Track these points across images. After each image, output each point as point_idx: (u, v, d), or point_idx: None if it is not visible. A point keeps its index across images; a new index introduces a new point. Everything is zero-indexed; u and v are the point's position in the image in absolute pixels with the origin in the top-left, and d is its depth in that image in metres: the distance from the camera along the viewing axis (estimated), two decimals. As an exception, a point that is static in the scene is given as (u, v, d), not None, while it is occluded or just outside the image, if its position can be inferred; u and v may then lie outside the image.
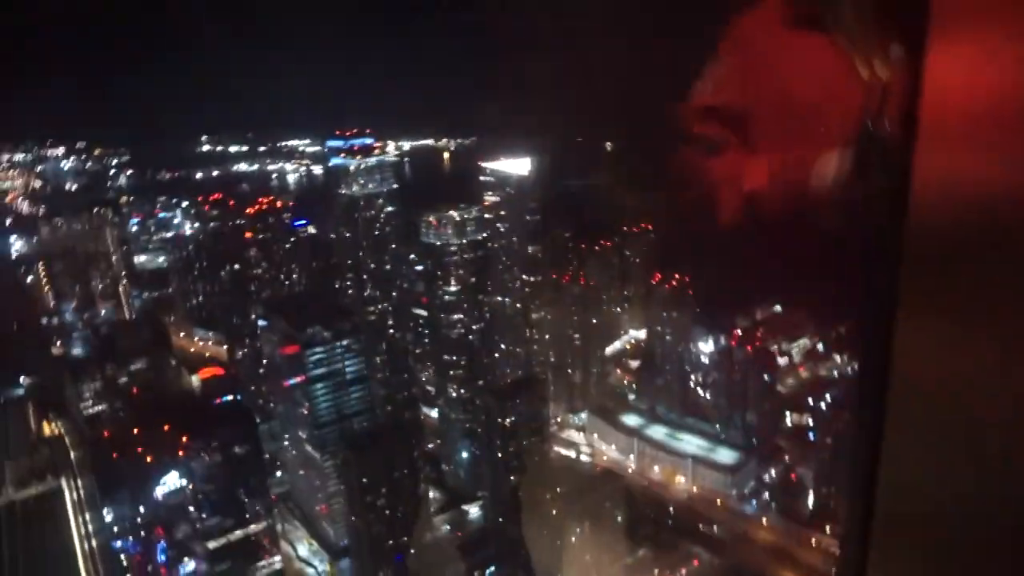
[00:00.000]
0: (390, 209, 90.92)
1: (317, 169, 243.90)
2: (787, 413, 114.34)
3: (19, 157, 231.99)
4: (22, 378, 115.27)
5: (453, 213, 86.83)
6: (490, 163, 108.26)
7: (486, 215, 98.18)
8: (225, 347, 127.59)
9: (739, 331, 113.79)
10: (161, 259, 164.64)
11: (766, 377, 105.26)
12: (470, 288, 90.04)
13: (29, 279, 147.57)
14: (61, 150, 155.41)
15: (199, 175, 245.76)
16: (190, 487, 62.76)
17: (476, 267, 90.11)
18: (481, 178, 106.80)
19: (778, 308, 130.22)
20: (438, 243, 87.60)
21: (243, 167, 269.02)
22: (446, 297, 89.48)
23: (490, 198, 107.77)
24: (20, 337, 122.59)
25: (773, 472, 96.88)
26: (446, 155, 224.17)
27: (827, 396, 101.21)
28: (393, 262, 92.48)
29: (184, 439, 63.11)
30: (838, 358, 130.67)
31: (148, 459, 58.18)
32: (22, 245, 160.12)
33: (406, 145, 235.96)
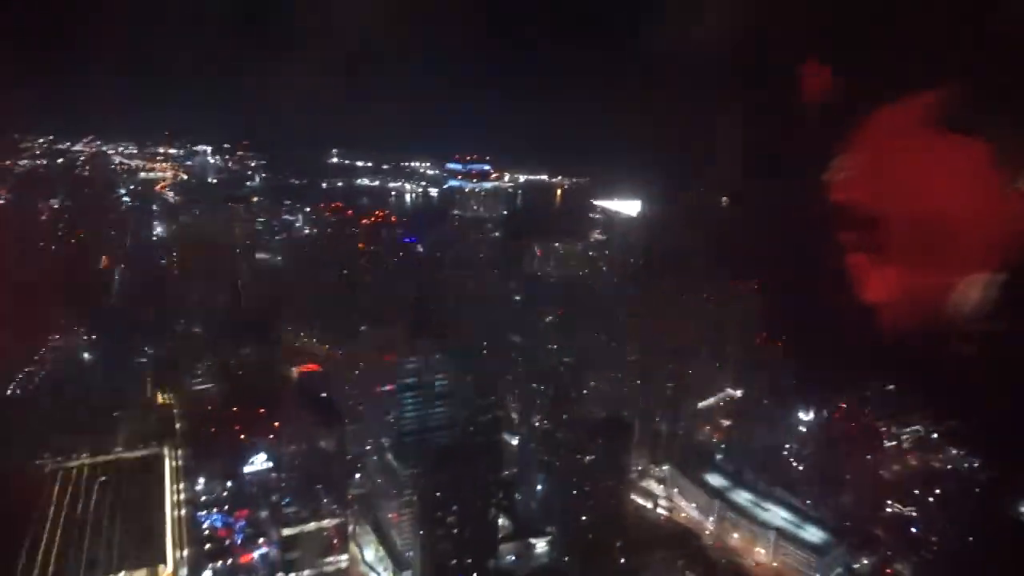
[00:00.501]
0: (497, 235, 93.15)
1: (433, 191, 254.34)
2: (888, 502, 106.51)
3: (172, 151, 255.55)
4: (146, 349, 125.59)
5: (558, 246, 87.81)
6: (601, 201, 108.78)
7: (591, 252, 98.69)
8: (325, 347, 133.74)
9: (844, 405, 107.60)
10: (279, 258, 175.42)
11: (869, 457, 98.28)
12: (566, 321, 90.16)
13: (163, 262, 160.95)
14: (209, 148, 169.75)
15: (324, 184, 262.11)
16: (274, 472, 65.71)
17: (576, 301, 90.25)
18: (590, 215, 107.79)
19: (891, 387, 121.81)
20: (540, 273, 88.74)
21: (365, 182, 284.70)
22: (541, 327, 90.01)
23: (597, 236, 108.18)
24: (150, 313, 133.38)
25: (865, 562, 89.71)
26: (559, 192, 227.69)
27: (936, 490, 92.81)
28: (494, 286, 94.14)
29: (276, 424, 66.43)
30: (953, 451, 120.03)
31: (241, 437, 61.59)
32: (162, 230, 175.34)
33: (521, 178, 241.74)
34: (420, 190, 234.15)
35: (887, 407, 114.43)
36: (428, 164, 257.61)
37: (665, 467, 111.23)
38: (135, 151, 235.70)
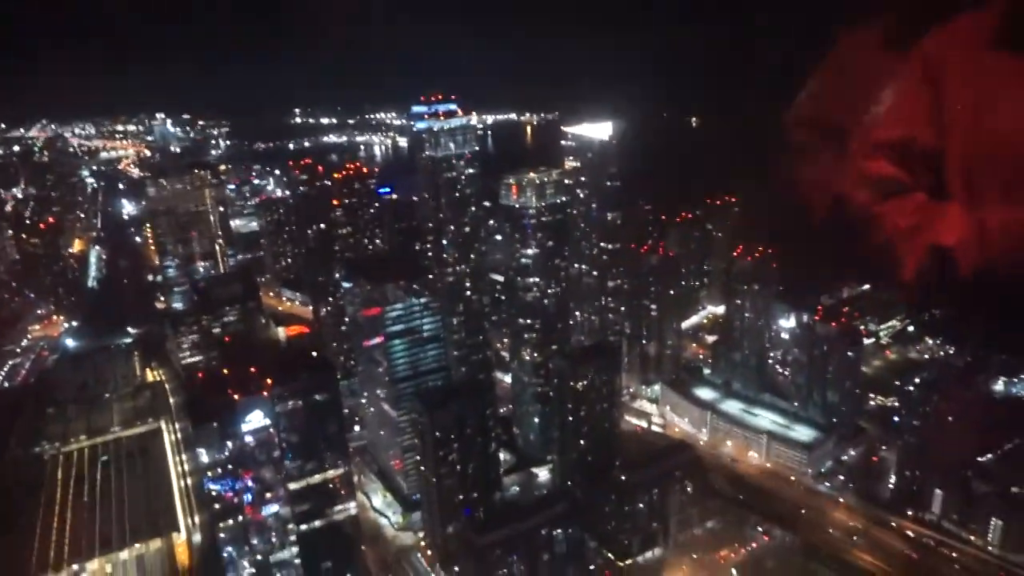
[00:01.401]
0: (471, 171, 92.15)
1: (402, 141, 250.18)
2: (871, 395, 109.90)
3: (132, 128, 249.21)
4: (129, 329, 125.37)
5: (533, 176, 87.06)
6: (572, 127, 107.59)
7: (566, 180, 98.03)
8: (311, 307, 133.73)
9: (823, 307, 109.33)
10: (254, 224, 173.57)
11: (850, 355, 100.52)
12: (547, 252, 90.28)
13: (136, 239, 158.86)
14: (168, 120, 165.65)
15: (291, 146, 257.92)
16: (273, 429, 66.64)
17: (554, 231, 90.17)
18: (562, 142, 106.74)
19: (867, 287, 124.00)
20: (517, 206, 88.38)
21: (333, 139, 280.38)
22: (523, 260, 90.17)
23: (570, 163, 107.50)
24: (128, 293, 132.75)
25: (853, 453, 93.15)
26: (529, 129, 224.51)
27: (915, 379, 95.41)
28: (472, 224, 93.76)
29: (269, 381, 67.08)
30: (930, 341, 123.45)
31: (236, 397, 62.23)
32: (132, 208, 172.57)
33: (489, 119, 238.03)
34: (389, 141, 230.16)
35: (865, 306, 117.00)
36: (394, 115, 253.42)
37: (656, 386, 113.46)
38: (92, 131, 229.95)
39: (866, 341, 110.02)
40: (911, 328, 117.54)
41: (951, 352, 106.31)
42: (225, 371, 72.62)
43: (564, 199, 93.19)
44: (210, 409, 63.78)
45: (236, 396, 64.32)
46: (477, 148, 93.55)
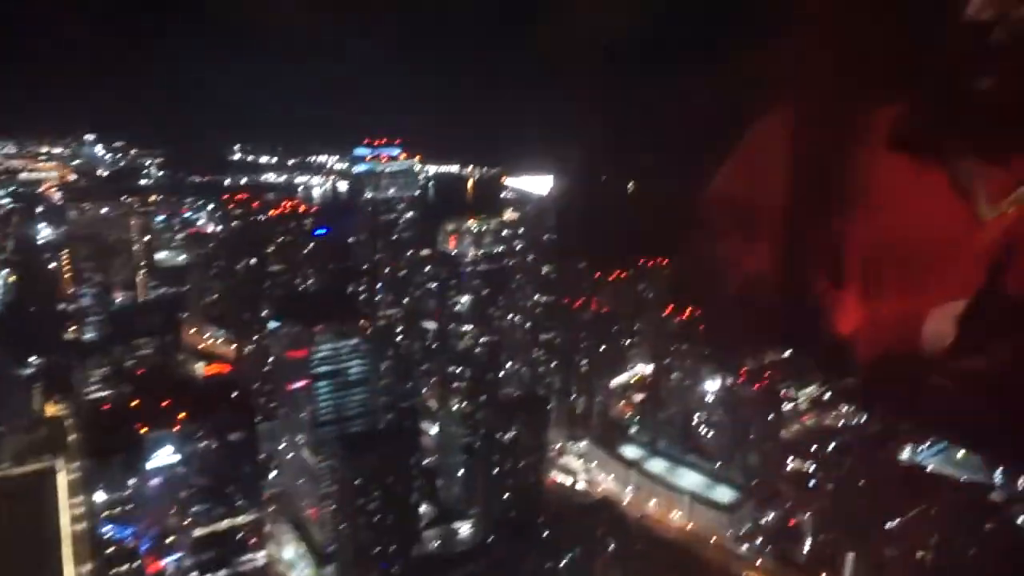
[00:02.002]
0: (410, 215, 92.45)
1: (343, 185, 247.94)
2: (789, 458, 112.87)
3: (58, 150, 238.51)
4: (32, 358, 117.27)
5: (472, 224, 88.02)
6: (512, 179, 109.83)
7: (504, 230, 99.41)
8: (234, 346, 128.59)
9: (746, 371, 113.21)
10: (182, 257, 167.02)
11: (770, 418, 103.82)
12: (482, 301, 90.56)
13: (52, 265, 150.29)
14: (99, 144, 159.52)
15: (228, 181, 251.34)
16: (182, 468, 62.63)
17: (490, 280, 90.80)
18: (502, 195, 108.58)
19: (788, 353, 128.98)
20: (455, 253, 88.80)
21: (272, 177, 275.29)
22: (456, 307, 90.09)
23: (510, 214, 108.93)
24: (34, 320, 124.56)
25: (771, 515, 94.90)
26: (471, 181, 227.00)
27: (831, 445, 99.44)
28: (408, 268, 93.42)
29: (180, 415, 63.37)
30: (844, 408, 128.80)
31: (143, 431, 58.31)
32: (49, 232, 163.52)
33: (431, 169, 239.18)
34: (329, 184, 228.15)
35: (785, 371, 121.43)
36: (336, 157, 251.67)
37: (583, 443, 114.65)
38: (14, 151, 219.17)
39: (786, 406, 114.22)
40: (828, 395, 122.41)
41: (863, 420, 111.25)
42: (134, 403, 68.34)
43: (501, 249, 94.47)
44: (113, 443, 59.53)
45: (144, 430, 60.38)
46: (418, 193, 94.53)
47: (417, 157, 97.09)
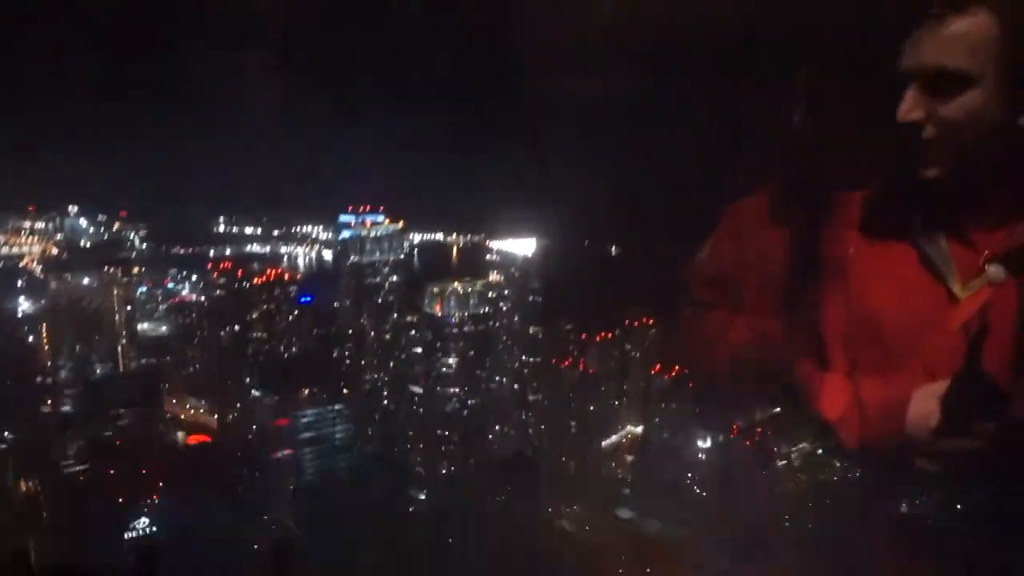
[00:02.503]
0: (395, 279, 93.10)
1: (328, 254, 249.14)
2: (785, 516, 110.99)
3: (40, 225, 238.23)
4: (6, 434, 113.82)
5: (457, 286, 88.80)
6: (496, 242, 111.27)
7: (490, 292, 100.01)
8: (216, 416, 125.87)
9: (737, 428, 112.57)
10: (164, 328, 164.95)
11: (764, 475, 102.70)
12: (469, 363, 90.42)
13: (30, 338, 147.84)
14: (83, 217, 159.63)
15: (212, 252, 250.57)
16: (160, 540, 60.27)
17: (476, 342, 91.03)
18: (487, 257, 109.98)
19: (779, 409, 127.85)
20: (440, 315, 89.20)
21: (256, 248, 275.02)
22: (443, 369, 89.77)
23: (494, 276, 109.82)
24: (11, 394, 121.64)
25: (769, 571, 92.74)
26: (455, 249, 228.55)
27: (826, 500, 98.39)
28: (394, 332, 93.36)
29: (159, 484, 61.47)
30: (838, 463, 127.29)
31: (119, 500, 56.30)
32: (29, 305, 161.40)
33: (416, 237, 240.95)
34: (314, 253, 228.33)
35: (776, 428, 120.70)
36: (321, 227, 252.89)
37: (575, 506, 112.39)
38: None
39: (779, 463, 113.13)
40: (820, 451, 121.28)
41: (858, 475, 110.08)
42: (111, 473, 66.25)
43: (487, 310, 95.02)
44: (89, 517, 57.32)
45: (120, 500, 58.43)
46: (403, 257, 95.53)
47: (401, 222, 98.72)
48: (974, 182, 3.66)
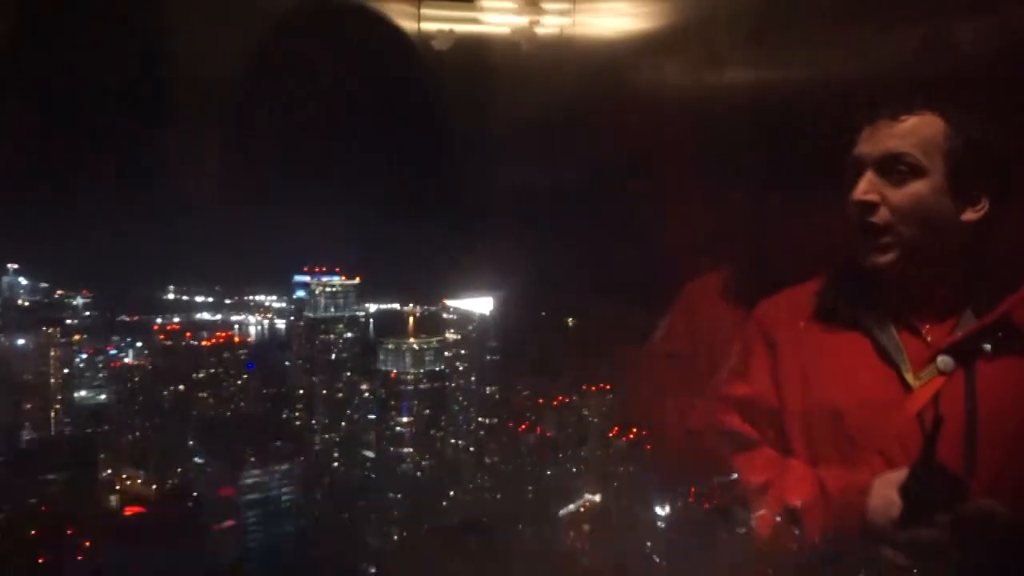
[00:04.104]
0: (349, 335, 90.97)
1: (280, 323, 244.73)
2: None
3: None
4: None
5: (412, 342, 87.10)
6: (452, 301, 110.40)
7: (446, 352, 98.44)
8: (155, 486, 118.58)
9: (694, 491, 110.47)
10: (103, 396, 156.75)
11: (724, 540, 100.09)
12: (424, 422, 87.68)
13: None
14: (20, 277, 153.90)
15: (159, 320, 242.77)
16: None
17: (432, 400, 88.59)
18: (444, 315, 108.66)
19: (735, 476, 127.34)
20: (395, 371, 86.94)
21: (206, 316, 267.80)
22: (397, 429, 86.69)
23: (451, 335, 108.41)
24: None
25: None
26: (411, 318, 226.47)
27: (786, 567, 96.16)
28: (346, 390, 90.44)
29: (87, 545, 55.63)
30: (796, 532, 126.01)
31: (39, 561, 50.48)
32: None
33: (372, 307, 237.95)
34: (266, 322, 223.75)
35: (735, 492, 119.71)
36: (275, 297, 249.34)
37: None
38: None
39: (739, 530, 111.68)
40: (777, 516, 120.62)
41: (816, 541, 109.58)
42: (33, 532, 60.00)
43: (443, 368, 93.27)
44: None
45: (40, 560, 52.70)
46: (358, 315, 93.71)
47: (357, 278, 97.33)
48: (921, 272, 4.43)
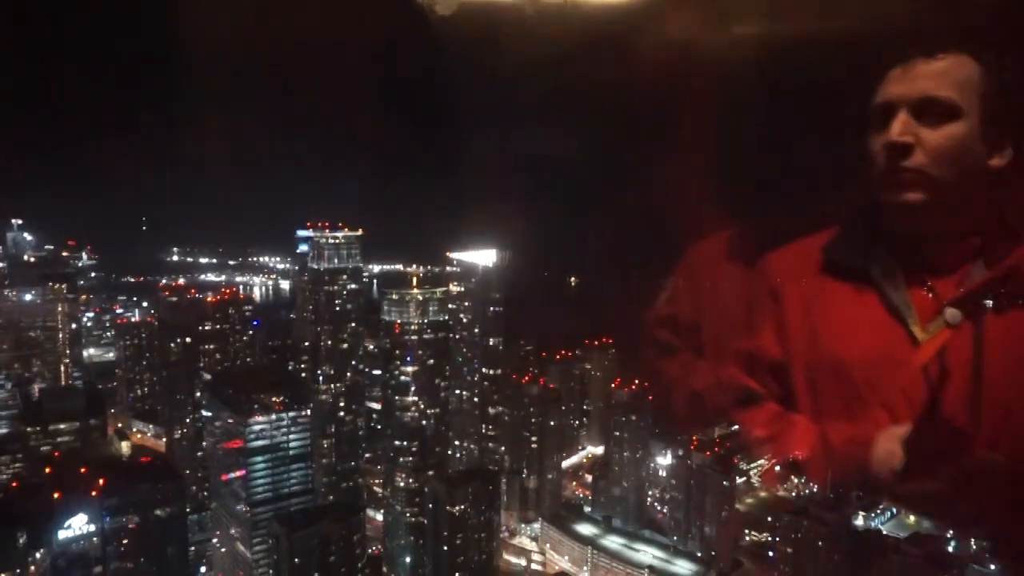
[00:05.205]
0: (353, 287, 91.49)
1: (285, 284, 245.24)
2: (746, 531, 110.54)
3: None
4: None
5: (416, 292, 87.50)
6: (456, 253, 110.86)
7: (450, 304, 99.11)
8: (164, 439, 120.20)
9: (696, 441, 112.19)
10: (111, 354, 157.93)
11: (725, 484, 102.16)
12: (428, 371, 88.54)
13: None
14: (27, 234, 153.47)
15: (164, 281, 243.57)
16: (98, 538, 55.91)
17: (436, 349, 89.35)
18: (447, 268, 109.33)
19: (736, 427, 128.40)
20: (399, 321, 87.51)
21: (211, 277, 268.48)
22: (403, 379, 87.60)
23: (455, 287, 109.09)
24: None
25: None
26: (415, 279, 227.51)
27: (785, 516, 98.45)
28: (351, 341, 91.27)
29: (101, 482, 57.05)
30: (795, 479, 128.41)
31: (56, 496, 51.81)
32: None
33: (375, 268, 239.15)
34: (271, 283, 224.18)
35: (735, 442, 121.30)
36: (278, 258, 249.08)
37: (536, 524, 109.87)
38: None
39: (739, 480, 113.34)
40: (778, 468, 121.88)
41: (815, 488, 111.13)
42: (47, 470, 61.29)
43: (446, 318, 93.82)
44: (17, 514, 52.25)
45: (56, 496, 53.96)
46: (361, 264, 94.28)
47: (360, 230, 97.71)
48: (941, 216, 3.87)
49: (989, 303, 3.79)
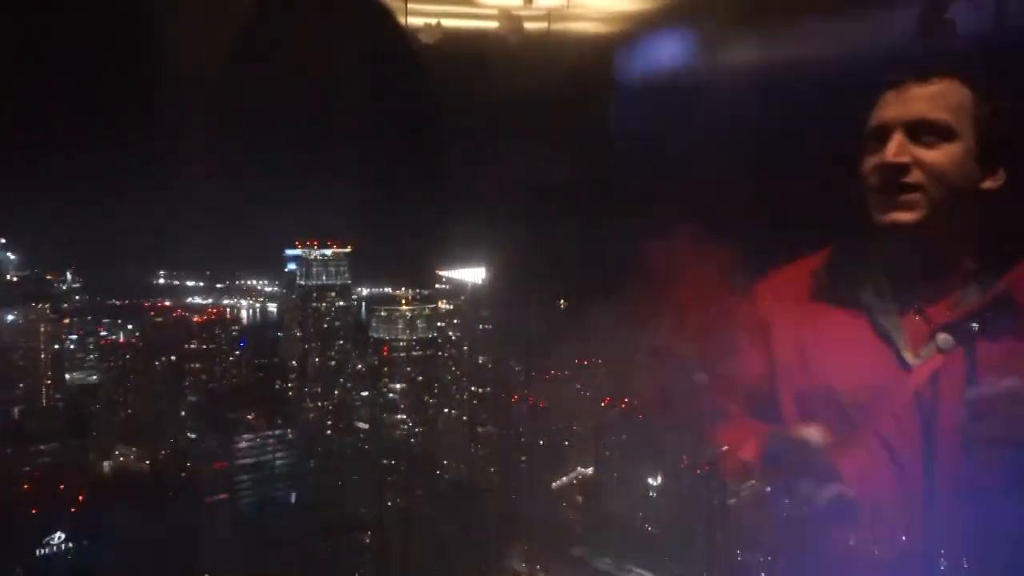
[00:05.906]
0: (341, 303, 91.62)
1: (272, 306, 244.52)
2: (736, 551, 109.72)
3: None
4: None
5: (405, 309, 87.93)
6: (445, 271, 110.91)
7: (439, 322, 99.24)
8: (147, 461, 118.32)
9: (685, 460, 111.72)
10: (94, 377, 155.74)
11: (715, 504, 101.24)
12: (416, 388, 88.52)
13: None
14: (10, 254, 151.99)
15: (148, 304, 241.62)
16: (77, 558, 54.47)
17: (424, 366, 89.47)
18: (436, 286, 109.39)
19: (725, 448, 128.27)
20: (387, 338, 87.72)
21: (198, 300, 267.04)
22: (391, 396, 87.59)
23: (444, 305, 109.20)
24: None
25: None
26: (403, 301, 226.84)
27: (776, 535, 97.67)
28: (339, 358, 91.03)
29: (79, 498, 56.02)
30: (786, 501, 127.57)
31: (33, 514, 50.56)
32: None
33: (364, 291, 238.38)
34: (258, 306, 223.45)
35: (726, 467, 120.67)
36: (266, 282, 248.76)
37: (526, 546, 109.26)
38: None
39: (730, 501, 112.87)
40: (768, 489, 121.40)
41: (805, 510, 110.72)
42: (26, 488, 59.99)
43: (435, 336, 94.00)
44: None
45: (34, 513, 52.92)
46: (349, 282, 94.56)
47: (348, 247, 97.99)
48: (934, 238, 3.87)
49: (981, 328, 3.71)
